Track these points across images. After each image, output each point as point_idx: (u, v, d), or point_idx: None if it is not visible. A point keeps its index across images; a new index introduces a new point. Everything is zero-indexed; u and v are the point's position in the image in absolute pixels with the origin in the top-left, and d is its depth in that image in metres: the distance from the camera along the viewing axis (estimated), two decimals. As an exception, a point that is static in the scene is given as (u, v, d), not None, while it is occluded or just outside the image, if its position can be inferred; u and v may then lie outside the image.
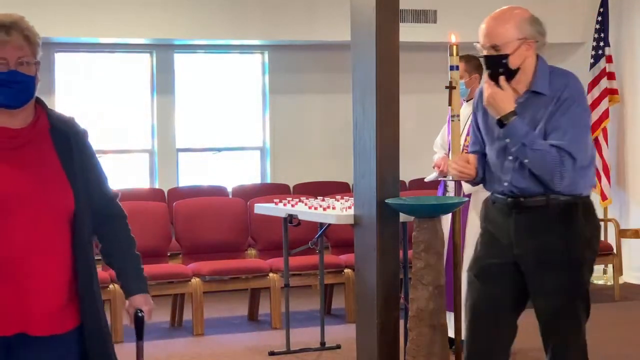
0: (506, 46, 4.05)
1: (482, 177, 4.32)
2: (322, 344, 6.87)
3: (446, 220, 5.74)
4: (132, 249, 3.15)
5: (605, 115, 9.57)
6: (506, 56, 4.05)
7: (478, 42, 4.13)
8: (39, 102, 3.05)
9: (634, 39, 9.67)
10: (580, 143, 4.06)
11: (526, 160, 4.05)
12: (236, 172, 10.12)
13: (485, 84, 4.14)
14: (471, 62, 6.46)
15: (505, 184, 4.16)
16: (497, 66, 4.08)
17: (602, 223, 9.26)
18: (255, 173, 10.27)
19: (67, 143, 3.00)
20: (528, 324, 7.73)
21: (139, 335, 3.17)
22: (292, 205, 6.76)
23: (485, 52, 4.10)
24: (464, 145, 6.07)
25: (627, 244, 9.21)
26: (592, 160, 4.23)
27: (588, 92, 9.63)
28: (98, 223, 3.08)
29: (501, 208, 4.20)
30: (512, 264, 4.21)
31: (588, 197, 4.24)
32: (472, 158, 4.32)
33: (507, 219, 4.19)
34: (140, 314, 3.11)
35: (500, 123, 4.07)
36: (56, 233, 2.93)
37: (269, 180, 10.16)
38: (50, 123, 3.01)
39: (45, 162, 2.96)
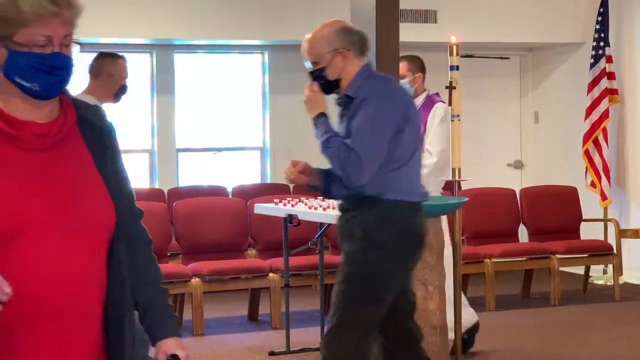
0: (321, 60, 4.37)
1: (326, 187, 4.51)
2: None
3: None
4: (159, 282, 2.51)
5: (605, 115, 9.56)
6: (323, 69, 4.36)
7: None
8: None
9: (634, 39, 9.67)
10: (365, 142, 4.20)
11: (328, 160, 4.30)
12: (236, 172, 10.12)
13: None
14: (414, 61, 6.50)
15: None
16: (319, 79, 4.40)
17: (602, 223, 9.33)
18: (255, 173, 10.27)
19: (100, 140, 2.40)
20: (526, 323, 7.76)
21: None
22: (292, 205, 6.76)
23: (310, 68, 4.42)
24: None
25: (627, 244, 9.21)
26: (404, 163, 4.29)
27: (588, 92, 9.63)
28: None
29: None
30: None
31: (395, 200, 4.28)
32: (302, 165, 4.49)
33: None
34: None
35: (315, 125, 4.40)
36: (94, 257, 2.31)
37: (269, 180, 10.16)
38: (78, 114, 2.39)
39: (80, 165, 2.35)
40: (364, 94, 4.26)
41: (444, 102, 6.52)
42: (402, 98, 4.36)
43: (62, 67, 2.30)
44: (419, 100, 6.48)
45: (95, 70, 5.71)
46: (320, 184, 4.46)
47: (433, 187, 6.36)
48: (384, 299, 4.32)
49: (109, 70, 5.67)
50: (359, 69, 4.35)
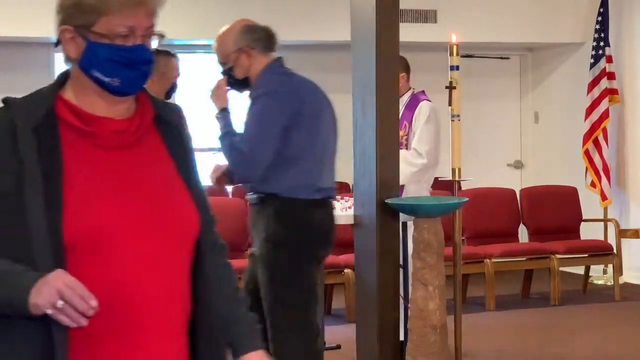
0: (228, 60, 4.48)
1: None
2: (322, 343, 6.86)
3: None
4: (239, 292, 2.31)
5: (605, 115, 9.56)
6: (231, 68, 4.47)
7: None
8: None
9: (634, 39, 9.67)
10: (251, 140, 4.31)
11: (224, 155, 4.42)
12: (236, 172, 10.11)
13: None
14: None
15: None
16: (230, 78, 4.51)
17: (602, 223, 9.33)
18: (255, 173, 10.27)
19: (179, 140, 2.19)
20: (526, 324, 7.75)
21: None
22: (292, 205, 6.74)
23: (221, 68, 4.53)
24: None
25: (627, 244, 9.21)
26: (299, 160, 4.35)
27: (588, 92, 9.63)
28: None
29: None
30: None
31: (291, 198, 4.34)
32: (221, 169, 4.66)
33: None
34: None
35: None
36: (180, 266, 2.11)
37: (269, 180, 10.15)
38: (155, 110, 2.17)
39: (161, 167, 2.14)
40: (257, 92, 4.37)
41: (429, 101, 6.50)
42: (297, 95, 4.39)
43: (144, 60, 2.07)
44: (403, 100, 6.46)
45: None
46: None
47: (424, 185, 6.36)
48: (305, 296, 4.40)
49: (161, 68, 5.64)
50: (264, 66, 4.43)
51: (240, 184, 4.51)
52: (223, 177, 4.53)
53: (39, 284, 1.91)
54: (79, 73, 2.09)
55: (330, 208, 4.52)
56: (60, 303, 1.90)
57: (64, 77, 2.14)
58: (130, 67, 2.05)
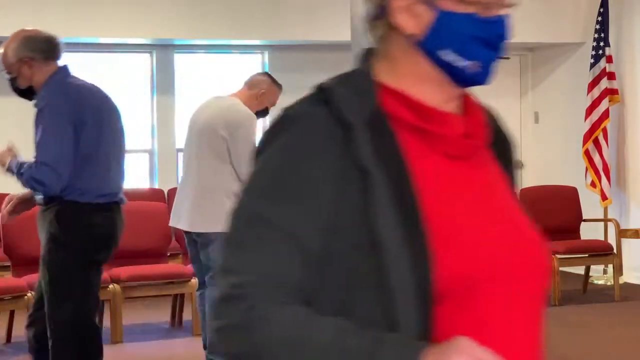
0: (11, 70, 4.51)
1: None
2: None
3: None
4: None
5: (605, 115, 9.56)
6: (15, 78, 4.50)
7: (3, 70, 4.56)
8: None
9: (634, 39, 9.67)
10: (45, 148, 4.37)
11: (25, 185, 4.49)
12: (236, 172, 10.10)
13: None
14: None
15: None
16: (15, 87, 4.54)
17: (602, 223, 9.33)
18: (255, 173, 10.25)
19: (506, 152, 1.67)
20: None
21: None
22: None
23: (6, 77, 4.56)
24: None
25: (627, 244, 9.21)
26: (83, 165, 4.40)
27: (588, 92, 9.63)
28: None
29: None
30: None
31: (72, 201, 4.42)
32: (14, 201, 4.69)
33: None
34: None
35: None
36: (540, 329, 1.56)
37: (269, 180, 10.14)
38: (482, 109, 1.64)
39: (506, 186, 1.63)
40: (40, 105, 4.43)
41: None
42: (78, 102, 4.45)
43: (505, 39, 1.56)
44: None
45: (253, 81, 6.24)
46: (38, 201, 4.57)
47: None
48: (82, 296, 4.48)
49: (263, 86, 6.30)
50: (48, 76, 4.47)
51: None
52: (18, 206, 4.59)
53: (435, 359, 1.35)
54: (412, 53, 1.54)
55: (114, 212, 4.56)
56: None
57: (368, 56, 1.58)
58: (493, 47, 1.54)
